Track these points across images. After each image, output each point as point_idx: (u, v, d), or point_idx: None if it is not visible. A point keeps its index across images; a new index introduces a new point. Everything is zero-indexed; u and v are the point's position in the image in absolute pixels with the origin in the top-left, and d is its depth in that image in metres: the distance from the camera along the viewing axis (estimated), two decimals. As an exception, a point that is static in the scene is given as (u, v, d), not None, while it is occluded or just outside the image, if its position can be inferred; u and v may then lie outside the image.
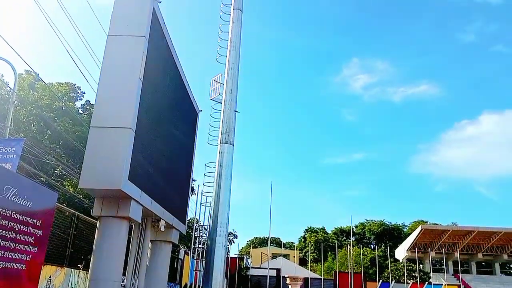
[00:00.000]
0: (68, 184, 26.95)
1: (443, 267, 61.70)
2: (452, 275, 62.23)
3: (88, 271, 9.90)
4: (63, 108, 28.38)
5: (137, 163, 9.51)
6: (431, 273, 59.63)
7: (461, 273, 57.43)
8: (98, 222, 9.67)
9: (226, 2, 21.21)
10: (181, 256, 28.36)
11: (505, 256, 64.02)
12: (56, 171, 26.71)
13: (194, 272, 21.33)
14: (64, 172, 25.60)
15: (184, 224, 15.46)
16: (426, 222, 79.36)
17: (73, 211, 14.64)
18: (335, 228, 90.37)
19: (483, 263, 69.21)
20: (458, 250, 61.89)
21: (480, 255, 64.35)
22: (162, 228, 12.28)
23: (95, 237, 9.54)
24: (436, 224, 73.51)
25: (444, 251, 59.81)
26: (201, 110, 17.21)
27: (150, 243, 13.28)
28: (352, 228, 75.87)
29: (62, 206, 15.24)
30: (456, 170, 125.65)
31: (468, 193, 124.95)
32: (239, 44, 20.39)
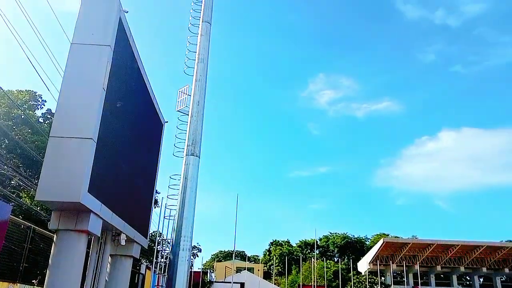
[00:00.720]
0: (25, 196, 25.83)
1: (403, 279, 63.07)
2: (412, 287, 63.69)
3: (43, 287, 9.46)
4: (22, 116, 27.32)
5: (98, 174, 9.25)
6: (392, 285, 60.82)
7: (421, 285, 58.88)
8: (55, 235, 9.30)
9: (195, 14, 21.25)
10: (142, 271, 27.62)
11: (462, 268, 66.18)
12: (12, 182, 25.56)
13: (155, 287, 20.82)
14: (21, 183, 24.54)
15: (146, 238, 15.11)
16: (388, 235, 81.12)
17: (29, 224, 14.01)
18: (300, 241, 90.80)
19: (442, 275, 71.29)
20: (418, 262, 63.50)
21: (438, 268, 66.24)
22: (123, 242, 11.94)
23: (52, 251, 9.16)
24: (397, 237, 75.25)
25: (405, 263, 61.24)
26: (166, 121, 17.03)
27: (109, 257, 12.88)
28: (316, 241, 76.46)
29: (17, 218, 14.56)
30: (416, 184, 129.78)
31: (427, 206, 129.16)
32: (207, 56, 20.41)
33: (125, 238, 12.05)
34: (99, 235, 10.39)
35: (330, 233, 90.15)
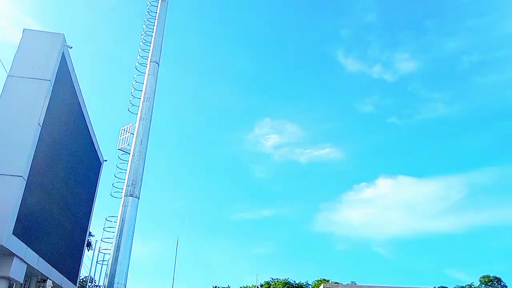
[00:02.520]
0: None
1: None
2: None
3: None
4: None
5: (26, 215, 8.61)
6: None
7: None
8: (-31, 282, 8.39)
9: (144, 54, 21.25)
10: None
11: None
12: None
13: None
14: None
15: (75, 284, 14.06)
16: (328, 280, 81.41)
17: None
18: (241, 287, 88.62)
19: (379, 322, 71.99)
20: (356, 309, 63.87)
21: (376, 314, 67.00)
22: (49, 289, 11.03)
23: (-37, 300, 8.23)
24: (337, 283, 75.61)
25: (344, 310, 61.27)
26: (105, 160, 16.42)
27: (32, 306, 11.78)
28: (258, 287, 74.99)
29: None
30: (355, 230, 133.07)
31: (366, 252, 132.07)
32: (153, 95, 20.27)
33: (51, 285, 11.14)
34: (22, 282, 9.54)
35: (272, 278, 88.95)
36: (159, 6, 22.75)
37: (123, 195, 17.73)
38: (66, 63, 10.50)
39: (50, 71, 9.45)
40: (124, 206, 17.36)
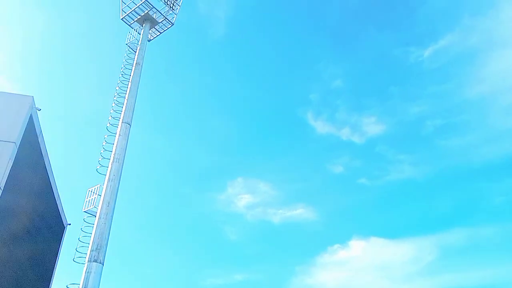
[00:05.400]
0: None
1: None
2: None
3: None
4: None
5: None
6: None
7: None
8: None
9: (115, 115, 21.26)
10: None
11: None
12: None
13: None
14: None
15: None
16: None
17: None
18: None
19: None
20: None
21: None
22: None
23: None
24: None
25: None
26: (69, 224, 15.78)
27: None
28: None
29: None
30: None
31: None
32: (123, 156, 20.02)
33: None
34: None
35: None
36: (133, 69, 23.22)
37: (86, 261, 16.85)
38: (34, 125, 10.40)
39: (16, 133, 9.32)
40: (87, 272, 16.42)
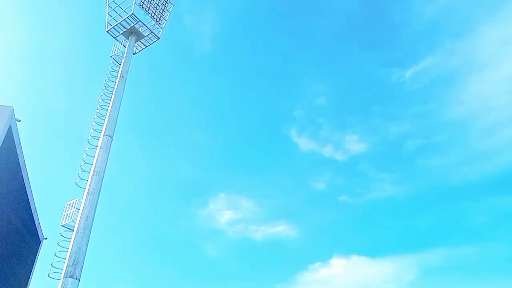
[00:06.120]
0: None
1: None
2: None
3: None
4: None
5: None
6: None
7: None
8: None
9: (97, 127, 21.00)
10: None
11: None
12: None
13: None
14: None
15: None
16: None
17: None
18: None
19: None
20: None
21: None
22: None
23: None
24: None
25: None
26: (45, 238, 15.35)
27: None
28: None
29: None
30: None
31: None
32: (103, 170, 19.71)
33: None
34: None
35: None
36: (117, 82, 23.07)
37: (62, 276, 16.39)
38: (13, 135, 10.18)
39: (-6, 144, 9.08)
40: (62, 288, 15.98)
